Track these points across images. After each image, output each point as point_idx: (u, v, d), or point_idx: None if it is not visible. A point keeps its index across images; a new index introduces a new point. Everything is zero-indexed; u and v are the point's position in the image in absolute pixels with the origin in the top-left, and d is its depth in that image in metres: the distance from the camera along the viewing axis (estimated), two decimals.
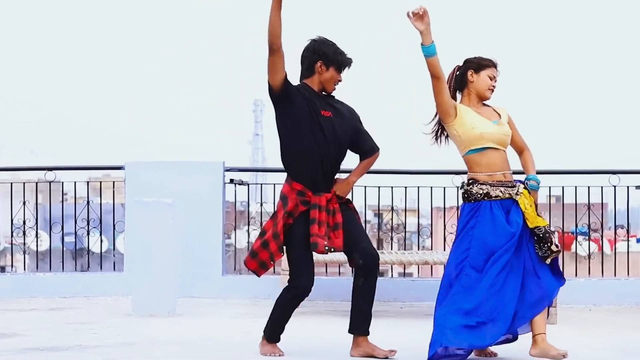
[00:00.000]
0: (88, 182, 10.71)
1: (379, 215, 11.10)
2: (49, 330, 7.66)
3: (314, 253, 6.31)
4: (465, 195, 6.26)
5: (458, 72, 6.34)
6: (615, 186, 10.07)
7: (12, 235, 10.93)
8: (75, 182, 10.69)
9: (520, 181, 6.29)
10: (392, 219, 10.86)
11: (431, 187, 10.26)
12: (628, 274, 10.36)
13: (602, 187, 10.14)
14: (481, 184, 6.18)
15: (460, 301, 6.06)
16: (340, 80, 6.41)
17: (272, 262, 6.34)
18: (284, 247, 6.32)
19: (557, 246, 6.14)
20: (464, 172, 9.93)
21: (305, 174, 6.29)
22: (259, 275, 6.49)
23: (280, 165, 6.46)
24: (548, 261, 6.14)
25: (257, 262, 6.33)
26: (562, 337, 7.49)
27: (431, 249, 10.88)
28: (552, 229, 6.34)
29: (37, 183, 10.79)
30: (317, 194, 6.27)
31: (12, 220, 10.59)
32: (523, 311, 6.13)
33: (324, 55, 6.32)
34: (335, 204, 6.35)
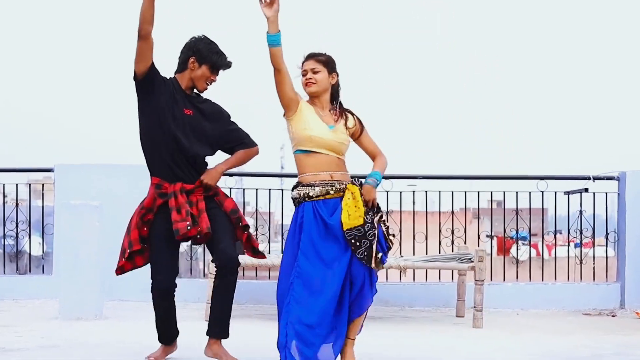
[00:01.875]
0: (17, 185, 10.57)
1: None
2: None
3: (177, 251, 6.28)
4: (292, 200, 6.11)
5: None
6: (543, 192, 10.22)
7: None
8: (4, 185, 10.60)
9: (354, 180, 6.03)
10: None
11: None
12: (555, 278, 10.48)
13: (530, 192, 10.29)
14: (303, 185, 6.02)
15: (297, 313, 5.86)
16: (213, 80, 6.31)
17: (125, 260, 6.29)
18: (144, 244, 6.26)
19: (377, 259, 5.90)
20: (394, 177, 10.10)
21: (162, 167, 6.19)
22: (117, 274, 6.44)
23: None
24: (373, 266, 5.88)
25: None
26: (486, 341, 7.60)
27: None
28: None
29: None
30: (173, 183, 6.17)
31: None
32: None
33: (198, 52, 6.22)
34: (200, 195, 6.21)
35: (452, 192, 10.38)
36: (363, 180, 6.04)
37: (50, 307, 9.26)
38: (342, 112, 6.16)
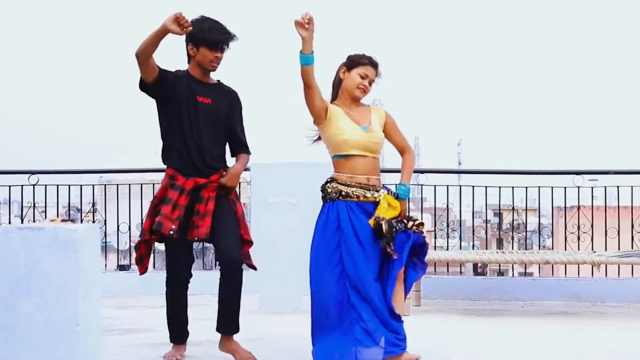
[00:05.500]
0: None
1: (499, 214, 11.15)
2: None
3: (192, 243, 6.26)
4: (322, 195, 6.13)
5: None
6: None
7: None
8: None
9: (387, 188, 6.13)
10: (512, 219, 10.89)
11: (552, 187, 10.27)
12: None
13: None
14: (338, 183, 6.02)
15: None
16: (219, 58, 6.12)
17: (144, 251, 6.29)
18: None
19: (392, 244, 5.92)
20: (586, 172, 10.05)
21: (178, 159, 6.10)
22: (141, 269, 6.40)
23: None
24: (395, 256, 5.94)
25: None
26: None
27: (552, 249, 10.91)
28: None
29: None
30: (187, 177, 6.08)
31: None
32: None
33: (191, 37, 6.04)
34: (212, 192, 6.10)
35: (632, 187, 10.27)
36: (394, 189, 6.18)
37: (249, 302, 9.48)
38: (368, 107, 6.22)
